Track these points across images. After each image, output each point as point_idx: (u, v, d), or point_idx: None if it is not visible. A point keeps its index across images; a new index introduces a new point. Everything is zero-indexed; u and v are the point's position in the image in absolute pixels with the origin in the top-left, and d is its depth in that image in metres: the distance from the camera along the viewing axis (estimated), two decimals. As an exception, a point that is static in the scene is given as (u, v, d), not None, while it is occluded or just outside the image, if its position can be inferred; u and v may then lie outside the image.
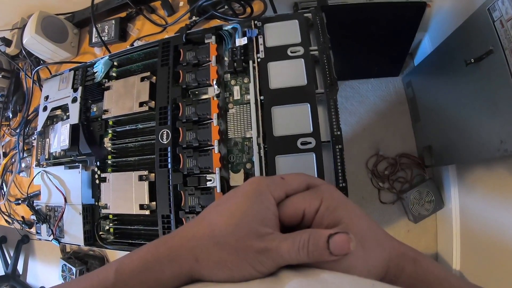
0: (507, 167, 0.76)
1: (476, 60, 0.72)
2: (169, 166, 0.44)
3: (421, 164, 1.10)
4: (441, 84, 0.93)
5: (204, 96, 0.48)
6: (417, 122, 1.12)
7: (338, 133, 0.41)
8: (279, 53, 0.45)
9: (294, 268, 0.19)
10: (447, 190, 1.03)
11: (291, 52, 0.44)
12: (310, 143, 0.40)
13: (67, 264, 1.29)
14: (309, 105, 0.42)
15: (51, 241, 0.57)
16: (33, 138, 0.69)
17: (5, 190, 0.71)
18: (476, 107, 0.77)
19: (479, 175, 0.89)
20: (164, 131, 0.46)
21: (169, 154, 0.45)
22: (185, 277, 0.20)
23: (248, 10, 0.50)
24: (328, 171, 0.40)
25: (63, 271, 1.30)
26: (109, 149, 0.54)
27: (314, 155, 0.40)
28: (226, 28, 0.48)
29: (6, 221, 0.70)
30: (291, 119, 0.41)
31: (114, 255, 1.38)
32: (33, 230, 0.66)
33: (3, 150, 0.75)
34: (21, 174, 0.71)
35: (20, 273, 1.59)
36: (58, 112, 0.63)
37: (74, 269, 1.25)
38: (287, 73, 0.44)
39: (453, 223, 0.97)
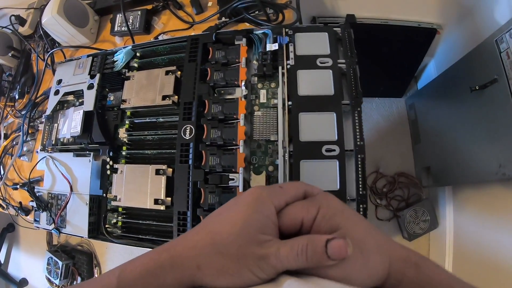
0: (501, 190, 0.79)
1: (481, 87, 0.76)
2: (190, 162, 0.44)
3: (418, 184, 1.13)
4: (443, 108, 0.97)
5: (229, 96, 0.48)
6: (417, 143, 1.16)
7: (361, 143, 0.42)
8: (308, 62, 0.46)
9: (293, 275, 0.20)
10: (442, 210, 1.06)
11: (320, 63, 0.46)
12: (334, 150, 0.41)
13: (53, 257, 1.22)
14: (335, 114, 0.42)
15: (51, 230, 0.54)
16: (40, 121, 0.66)
17: (2, 173, 0.68)
18: (477, 131, 0.80)
19: (474, 197, 0.92)
20: (187, 126, 0.45)
21: (191, 150, 0.44)
22: (187, 284, 0.20)
23: (280, 17, 0.52)
24: (349, 179, 0.41)
25: (48, 264, 1.24)
26: (124, 140, 0.53)
27: (337, 162, 0.40)
28: (257, 32, 0.49)
29: (0, 205, 0.66)
30: (317, 126, 0.42)
31: (103, 252, 1.33)
32: (29, 217, 0.63)
33: (4, 132, 0.71)
34: (21, 158, 0.68)
35: (2, 262, 1.50)
36: (70, 97, 0.62)
37: (60, 263, 1.19)
38: (315, 82, 0.44)
39: (447, 243, 0.99)
